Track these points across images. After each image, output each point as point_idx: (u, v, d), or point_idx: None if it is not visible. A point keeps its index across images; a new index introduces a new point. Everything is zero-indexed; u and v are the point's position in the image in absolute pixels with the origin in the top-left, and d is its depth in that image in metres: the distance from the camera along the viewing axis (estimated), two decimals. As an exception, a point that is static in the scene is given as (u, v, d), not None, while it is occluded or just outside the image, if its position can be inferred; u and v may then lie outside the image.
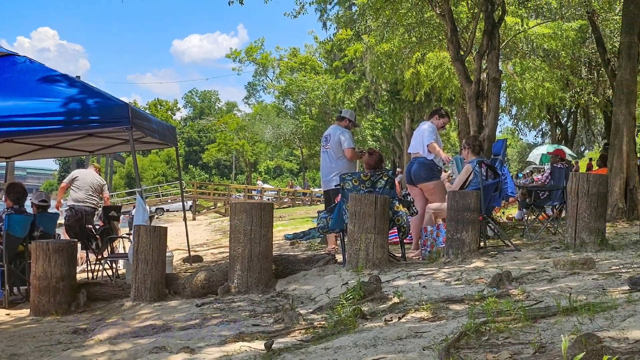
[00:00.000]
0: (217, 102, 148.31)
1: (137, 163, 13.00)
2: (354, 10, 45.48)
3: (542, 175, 20.81)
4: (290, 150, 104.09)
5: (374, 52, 35.08)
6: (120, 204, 36.25)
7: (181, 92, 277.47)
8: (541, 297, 6.38)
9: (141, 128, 12.38)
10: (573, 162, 34.85)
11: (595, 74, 35.16)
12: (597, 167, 23.67)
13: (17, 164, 33.91)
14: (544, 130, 66.50)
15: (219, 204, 61.70)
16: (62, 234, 15.66)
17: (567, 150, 35.78)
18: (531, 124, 58.61)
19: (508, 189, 12.40)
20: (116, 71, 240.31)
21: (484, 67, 19.61)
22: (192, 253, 16.57)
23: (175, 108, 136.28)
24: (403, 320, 6.11)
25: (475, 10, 20.30)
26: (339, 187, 11.57)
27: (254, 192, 68.64)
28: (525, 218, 16.65)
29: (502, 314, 5.42)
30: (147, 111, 64.93)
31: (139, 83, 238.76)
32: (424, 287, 7.83)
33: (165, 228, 10.52)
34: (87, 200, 15.90)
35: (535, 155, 45.29)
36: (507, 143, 15.07)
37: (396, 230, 11.17)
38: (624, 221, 15.60)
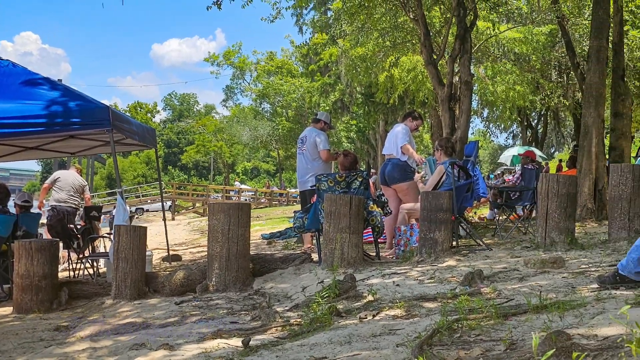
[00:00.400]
0: (195, 105, 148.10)
1: (117, 164, 13.17)
2: (329, 15, 45.48)
3: (513, 176, 20.93)
4: (267, 152, 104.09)
5: (349, 56, 35.11)
6: (101, 204, 36.20)
7: (160, 95, 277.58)
8: (512, 295, 6.41)
9: (121, 130, 12.47)
10: (543, 163, 34.93)
11: (565, 77, 35.27)
12: (566, 168, 23.75)
13: (0, 165, 33.88)
14: (514, 132, 66.73)
15: (197, 204, 61.60)
16: (45, 233, 15.66)
17: (538, 152, 35.91)
18: (502, 126, 58.78)
19: (480, 190, 12.40)
20: (97, 74, 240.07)
21: (456, 71, 19.68)
22: (171, 252, 16.63)
23: (154, 110, 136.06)
24: (377, 317, 6.12)
25: (448, 15, 20.38)
26: (314, 187, 11.59)
27: (231, 193, 68.51)
28: (497, 218, 16.71)
29: (474, 311, 5.43)
30: (127, 113, 64.78)
31: (119, 86, 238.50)
32: (397, 285, 7.85)
33: (145, 228, 10.55)
34: (68, 200, 15.92)
35: (506, 157, 45.39)
36: (479, 145, 15.10)
37: (370, 229, 11.25)
38: (592, 221, 15.67)
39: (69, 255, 14.76)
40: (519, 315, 5.29)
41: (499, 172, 46.50)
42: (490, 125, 58.06)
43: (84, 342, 6.93)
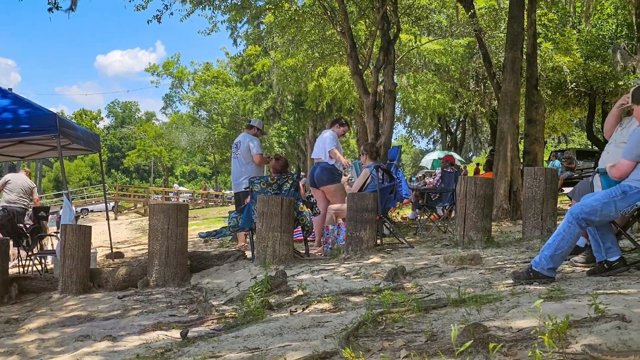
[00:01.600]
0: (137, 112, 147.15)
1: (64, 168, 13.22)
2: (262, 28, 45.41)
3: (433, 178, 21.09)
4: (204, 156, 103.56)
5: (280, 67, 35.11)
6: (48, 205, 35.71)
7: (104, 103, 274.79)
8: (433, 290, 6.43)
9: (68, 136, 12.60)
10: (462, 166, 35.29)
11: (482, 87, 35.56)
12: (483, 171, 24.03)
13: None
14: (435, 137, 67.44)
15: (138, 205, 61.13)
16: (-4, 232, 15.51)
17: (456, 156, 36.32)
18: (423, 132, 59.50)
19: (402, 191, 12.46)
20: (45, 84, 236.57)
21: (380, 80, 19.73)
22: (114, 250, 16.55)
23: (99, 117, 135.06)
24: (307, 311, 6.11)
25: (373, 29, 20.43)
26: (248, 189, 11.60)
27: (170, 194, 68.39)
28: (418, 218, 16.83)
29: (397, 305, 5.44)
30: (73, 120, 64.09)
31: (66, 94, 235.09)
32: (325, 280, 7.85)
33: (90, 227, 10.50)
34: (18, 201, 15.98)
35: (427, 161, 45.78)
36: (402, 149, 15.18)
37: (300, 229, 11.29)
38: (508, 221, 15.81)
39: (18, 252, 14.59)
40: (439, 309, 5.30)
41: (420, 175, 46.76)
42: (412, 131, 58.79)
43: (32, 333, 6.88)
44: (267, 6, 20.92)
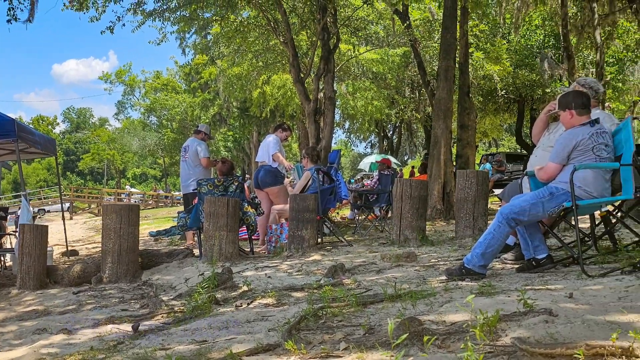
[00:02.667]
0: (91, 118, 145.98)
1: (22, 170, 13.29)
2: (209, 39, 45.48)
3: (371, 180, 21.09)
4: (154, 159, 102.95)
5: (227, 75, 35.07)
6: (7, 206, 35.27)
7: (60, 109, 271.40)
8: (370, 286, 6.43)
9: (26, 140, 12.73)
10: (398, 169, 35.35)
11: (417, 94, 35.72)
12: (418, 174, 24.12)
13: None
14: (372, 141, 67.48)
15: (92, 206, 60.66)
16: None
17: (393, 159, 36.43)
18: (362, 137, 59.56)
19: (342, 193, 12.50)
20: (4, 91, 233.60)
21: (321, 88, 19.76)
22: (70, 248, 16.39)
23: (55, 123, 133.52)
24: (251, 306, 6.10)
25: (314, 39, 20.44)
26: (196, 191, 11.58)
27: (122, 195, 68.15)
28: (357, 218, 16.85)
29: (336, 300, 5.43)
30: (30, 125, 63.30)
31: (24, 101, 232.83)
32: (269, 277, 7.85)
33: (46, 226, 10.59)
34: None
35: (365, 164, 45.84)
36: (341, 153, 15.19)
37: (245, 228, 11.32)
38: (441, 220, 15.90)
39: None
40: (377, 304, 5.30)
41: (358, 177, 46.87)
42: (351, 136, 58.87)
43: (-8, 327, 6.83)
44: (214, 18, 20.86)
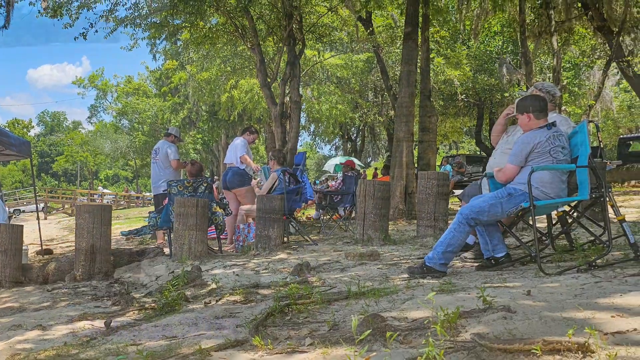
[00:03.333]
0: (65, 121, 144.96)
1: None
2: (178, 45, 45.32)
3: (335, 182, 21.16)
4: (126, 161, 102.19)
5: (196, 79, 35.20)
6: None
7: (35, 113, 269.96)
8: (335, 284, 6.43)
9: (2, 143, 12.97)
10: (361, 171, 35.40)
11: (380, 98, 35.87)
12: (381, 175, 24.18)
13: None
14: (337, 144, 67.65)
15: (66, 206, 60.33)
16: None
17: (357, 161, 36.41)
18: (326, 139, 59.72)
19: (307, 194, 12.51)
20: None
21: (287, 92, 19.75)
22: (44, 247, 16.30)
23: (30, 126, 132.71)
24: (220, 303, 6.08)
25: (280, 45, 20.42)
26: (166, 191, 11.61)
27: (95, 196, 67.80)
28: (322, 217, 16.83)
29: (302, 297, 5.42)
30: (6, 129, 62.74)
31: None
32: (237, 275, 7.82)
33: (22, 226, 10.65)
34: None
35: (330, 165, 45.83)
36: (307, 155, 15.20)
37: (214, 227, 11.32)
38: (404, 220, 15.91)
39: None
40: (341, 301, 5.30)
41: (323, 179, 47.00)
42: (316, 139, 58.94)
43: (-32, 324, 6.75)
44: (183, 24, 20.75)
